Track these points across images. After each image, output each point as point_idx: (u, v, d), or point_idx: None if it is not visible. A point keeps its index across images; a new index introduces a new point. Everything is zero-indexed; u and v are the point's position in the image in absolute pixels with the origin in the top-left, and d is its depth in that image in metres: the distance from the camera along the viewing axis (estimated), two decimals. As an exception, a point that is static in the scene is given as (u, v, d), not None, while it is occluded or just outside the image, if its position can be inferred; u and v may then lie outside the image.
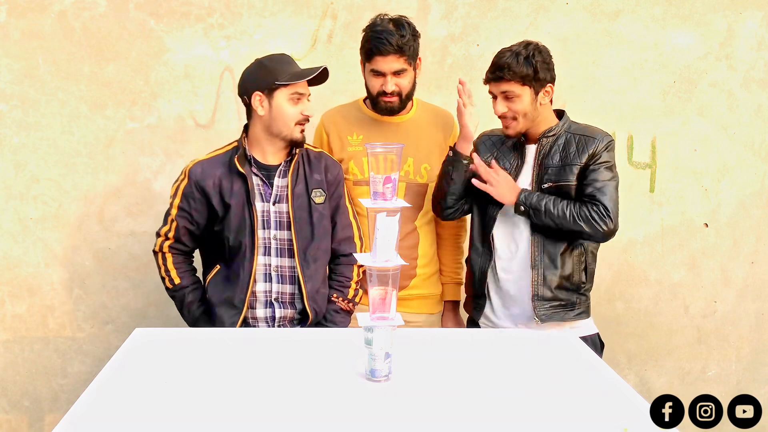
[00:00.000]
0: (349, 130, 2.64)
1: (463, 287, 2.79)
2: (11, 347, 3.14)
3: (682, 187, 3.22)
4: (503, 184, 2.43)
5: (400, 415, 1.69)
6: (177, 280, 2.42)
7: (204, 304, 2.42)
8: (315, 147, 2.53)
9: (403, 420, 1.67)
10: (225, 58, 2.99)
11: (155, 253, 2.45)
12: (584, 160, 2.40)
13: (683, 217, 3.24)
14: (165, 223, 2.43)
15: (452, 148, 2.50)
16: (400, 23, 2.48)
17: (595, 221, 2.39)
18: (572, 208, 2.39)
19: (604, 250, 2.61)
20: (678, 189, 3.22)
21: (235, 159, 2.33)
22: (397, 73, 2.50)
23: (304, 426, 1.64)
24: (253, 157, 2.37)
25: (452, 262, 2.79)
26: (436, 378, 1.90)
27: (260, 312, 2.38)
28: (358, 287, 2.49)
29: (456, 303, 2.82)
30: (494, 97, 2.43)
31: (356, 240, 2.50)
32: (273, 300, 2.38)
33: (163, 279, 2.45)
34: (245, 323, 2.37)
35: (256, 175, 2.36)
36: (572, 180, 2.41)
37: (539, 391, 1.83)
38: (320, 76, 2.34)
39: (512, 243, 2.50)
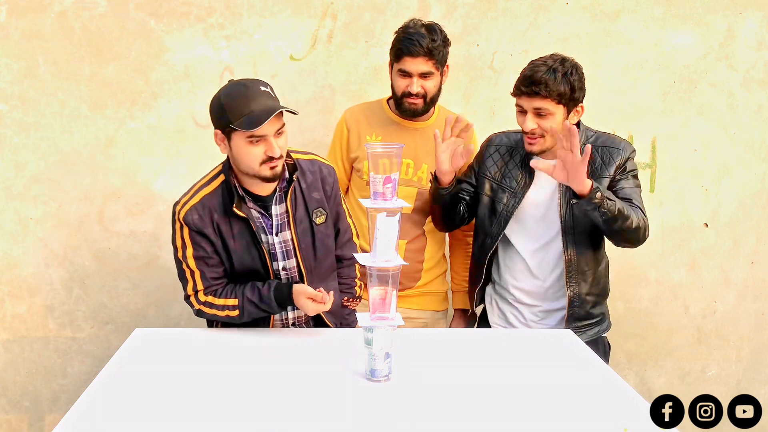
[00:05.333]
0: (369, 129, 2.65)
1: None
2: (11, 347, 3.14)
3: (682, 187, 3.22)
4: (578, 169, 2.16)
5: (400, 415, 1.70)
6: (234, 302, 2.22)
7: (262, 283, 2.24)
8: (303, 152, 2.32)
9: (403, 420, 1.68)
10: (225, 58, 2.98)
11: (198, 311, 2.26)
12: (612, 171, 2.35)
13: (683, 217, 3.24)
14: (185, 281, 2.23)
15: (434, 177, 2.43)
16: (433, 28, 2.51)
17: (647, 224, 2.33)
18: (632, 209, 2.27)
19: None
20: (678, 189, 3.22)
21: (233, 206, 2.14)
22: (424, 75, 2.51)
23: (304, 426, 1.64)
24: (246, 189, 2.19)
25: (464, 270, 2.77)
26: (436, 378, 1.90)
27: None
28: (360, 282, 2.48)
29: (466, 311, 2.81)
30: (522, 112, 2.33)
31: (355, 239, 2.46)
32: (290, 324, 2.36)
33: (228, 318, 2.23)
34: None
35: (254, 210, 2.21)
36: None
37: (539, 391, 1.83)
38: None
39: (536, 261, 2.43)
